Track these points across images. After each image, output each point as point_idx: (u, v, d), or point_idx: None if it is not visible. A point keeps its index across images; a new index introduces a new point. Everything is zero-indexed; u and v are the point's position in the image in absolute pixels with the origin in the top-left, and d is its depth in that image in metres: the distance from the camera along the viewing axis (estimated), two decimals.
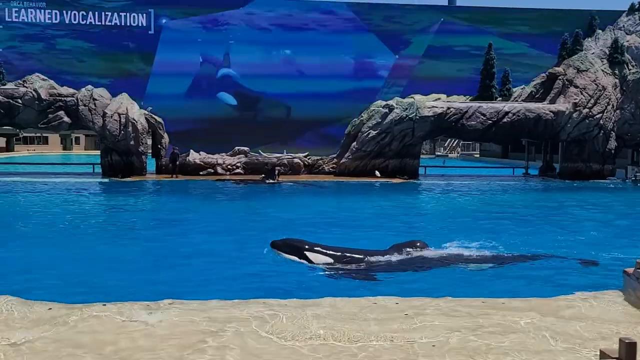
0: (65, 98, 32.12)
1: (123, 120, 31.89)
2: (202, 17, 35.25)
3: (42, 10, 34.08)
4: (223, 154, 34.77)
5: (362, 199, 23.90)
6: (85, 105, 32.10)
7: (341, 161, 34.40)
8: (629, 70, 35.19)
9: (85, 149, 75.25)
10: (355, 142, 34.10)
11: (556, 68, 34.92)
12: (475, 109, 33.44)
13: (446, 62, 36.06)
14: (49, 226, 15.84)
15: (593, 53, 35.49)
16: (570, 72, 34.40)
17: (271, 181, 29.98)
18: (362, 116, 34.30)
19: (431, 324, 6.51)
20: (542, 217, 19.02)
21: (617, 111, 34.78)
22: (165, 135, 34.20)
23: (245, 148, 34.82)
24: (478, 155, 66.10)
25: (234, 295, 7.85)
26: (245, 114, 35.46)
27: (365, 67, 36.38)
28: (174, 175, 32.55)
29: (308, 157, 35.41)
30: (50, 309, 6.98)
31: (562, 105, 33.79)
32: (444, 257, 10.97)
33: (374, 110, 34.00)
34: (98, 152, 36.16)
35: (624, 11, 37.64)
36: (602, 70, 34.76)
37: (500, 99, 34.85)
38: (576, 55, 34.88)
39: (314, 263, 10.34)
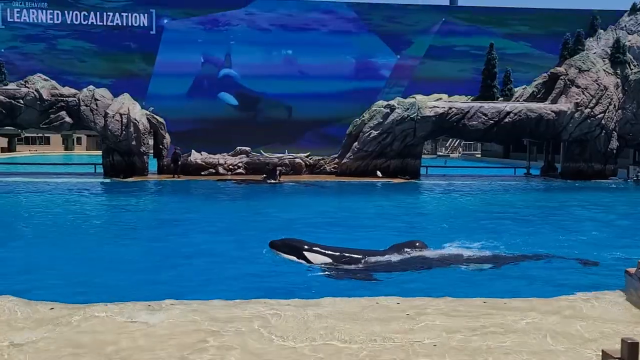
0: (66, 98, 32.14)
1: (125, 120, 31.91)
2: (203, 18, 35.28)
3: (44, 11, 34.12)
4: (224, 154, 34.77)
5: (363, 199, 23.88)
6: (86, 106, 32.11)
7: (342, 161, 34.37)
8: (631, 70, 35.14)
9: (86, 149, 75.33)
10: (356, 142, 34.09)
11: (558, 68, 34.87)
12: (476, 109, 33.41)
13: (447, 62, 36.02)
14: (50, 226, 15.86)
15: (595, 53, 35.46)
16: (572, 72, 34.36)
17: (272, 181, 29.94)
18: (363, 116, 34.27)
19: (432, 324, 6.52)
20: (543, 217, 18.99)
21: (619, 111, 34.73)
22: (167, 136, 34.21)
23: (247, 148, 34.82)
24: (480, 156, 66.01)
25: (235, 295, 7.86)
26: (247, 114, 35.47)
27: (367, 67, 36.35)
28: (176, 176, 32.55)
29: (309, 157, 35.39)
30: (52, 309, 7.00)
31: (563, 105, 33.76)
32: (444, 257, 10.93)
33: (375, 110, 33.98)
34: (100, 153, 36.12)
35: (626, 11, 37.63)
36: (604, 70, 34.71)
37: (502, 99, 34.81)
38: (578, 55, 34.84)
39: (313, 263, 10.32)
